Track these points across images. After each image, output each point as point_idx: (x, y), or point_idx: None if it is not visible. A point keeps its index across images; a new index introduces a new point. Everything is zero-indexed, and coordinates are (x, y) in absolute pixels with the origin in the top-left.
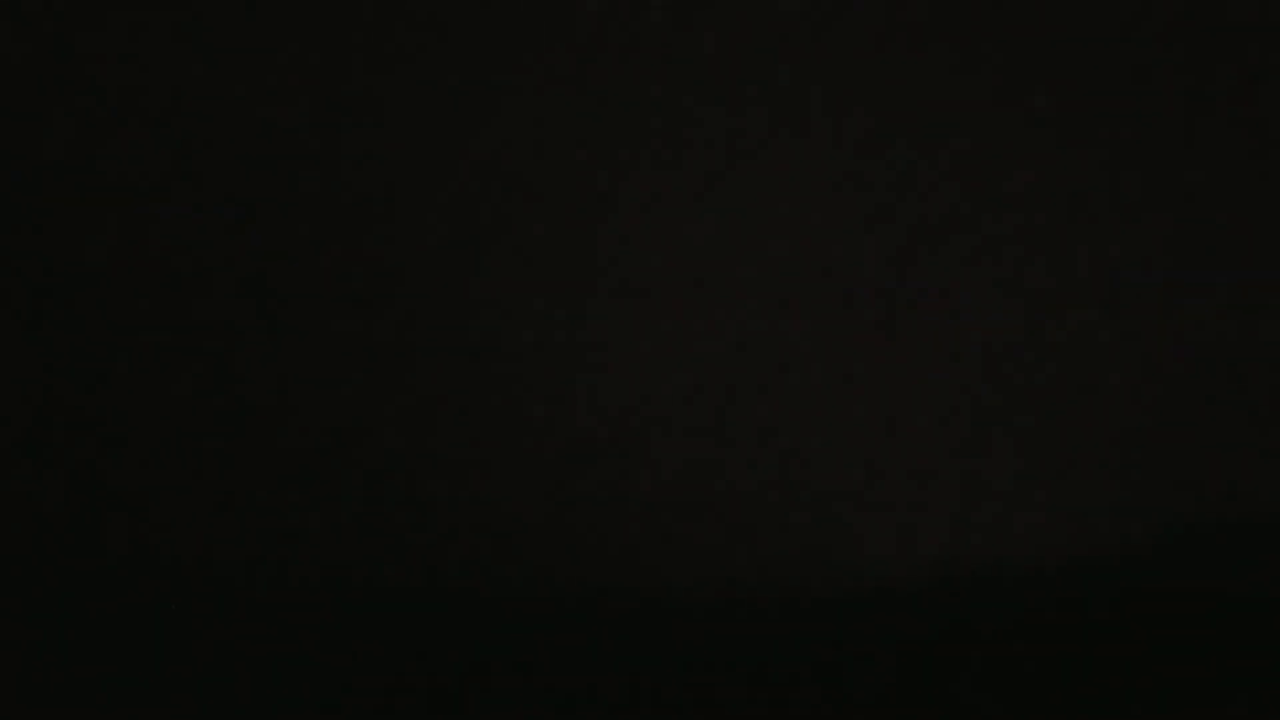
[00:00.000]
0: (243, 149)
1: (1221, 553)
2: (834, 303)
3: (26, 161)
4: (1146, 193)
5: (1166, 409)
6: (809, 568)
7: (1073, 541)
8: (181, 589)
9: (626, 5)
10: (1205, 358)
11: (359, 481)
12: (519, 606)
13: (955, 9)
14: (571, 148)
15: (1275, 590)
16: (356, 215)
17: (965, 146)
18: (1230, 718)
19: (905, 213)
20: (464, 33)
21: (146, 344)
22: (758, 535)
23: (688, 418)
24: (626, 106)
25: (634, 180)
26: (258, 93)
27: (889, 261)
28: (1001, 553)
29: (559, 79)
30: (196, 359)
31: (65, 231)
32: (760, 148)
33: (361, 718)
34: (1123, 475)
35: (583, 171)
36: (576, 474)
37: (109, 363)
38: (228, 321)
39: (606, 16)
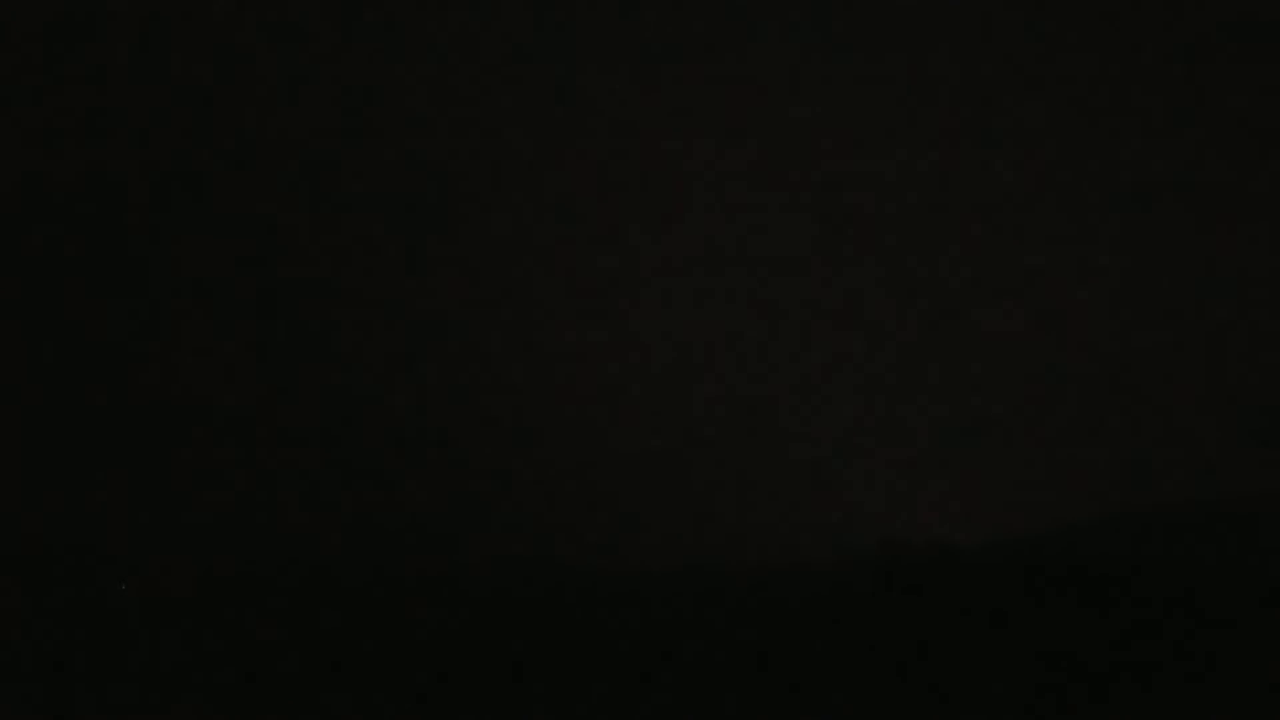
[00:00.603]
0: (244, 152)
1: (1165, 539)
2: (798, 303)
3: (28, 162)
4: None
5: (1115, 399)
6: (770, 546)
7: (1020, 521)
8: (178, 586)
9: (627, 6)
10: (1151, 355)
11: (338, 477)
12: (489, 587)
13: (956, 9)
14: (568, 150)
15: (1224, 575)
16: (355, 216)
17: (960, 145)
18: (1180, 695)
19: (873, 214)
20: (467, 36)
21: (147, 344)
22: (709, 517)
23: (657, 407)
24: (620, 112)
25: (624, 188)
26: (260, 96)
27: (871, 263)
28: (951, 531)
29: (559, 80)
30: (197, 357)
31: (64, 232)
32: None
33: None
34: (1071, 460)
35: (569, 179)
36: (543, 458)
37: (109, 363)
38: (227, 322)
39: (607, 17)
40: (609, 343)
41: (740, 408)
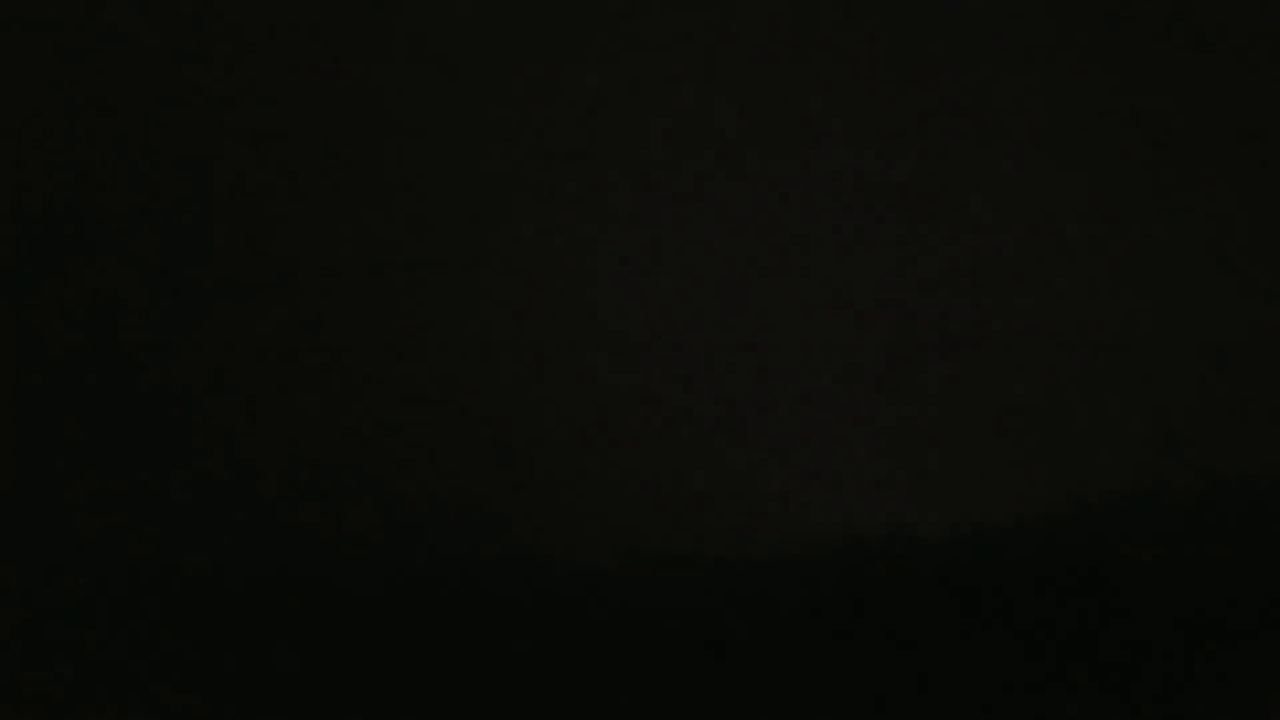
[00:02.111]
0: (245, 152)
1: (1130, 530)
2: (759, 294)
3: (29, 162)
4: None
5: (1079, 389)
6: (732, 536)
7: (984, 512)
8: (178, 587)
9: (626, 7)
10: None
11: (317, 477)
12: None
13: (956, 11)
14: (566, 150)
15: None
16: (353, 217)
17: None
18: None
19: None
20: (465, 36)
21: (151, 344)
22: (664, 507)
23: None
24: (622, 109)
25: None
26: (259, 96)
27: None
28: (914, 520)
29: (558, 81)
30: (196, 355)
31: (63, 232)
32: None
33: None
34: (1036, 451)
35: (561, 181)
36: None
37: (108, 364)
38: (226, 322)
39: (607, 19)
40: (566, 335)
41: (698, 398)
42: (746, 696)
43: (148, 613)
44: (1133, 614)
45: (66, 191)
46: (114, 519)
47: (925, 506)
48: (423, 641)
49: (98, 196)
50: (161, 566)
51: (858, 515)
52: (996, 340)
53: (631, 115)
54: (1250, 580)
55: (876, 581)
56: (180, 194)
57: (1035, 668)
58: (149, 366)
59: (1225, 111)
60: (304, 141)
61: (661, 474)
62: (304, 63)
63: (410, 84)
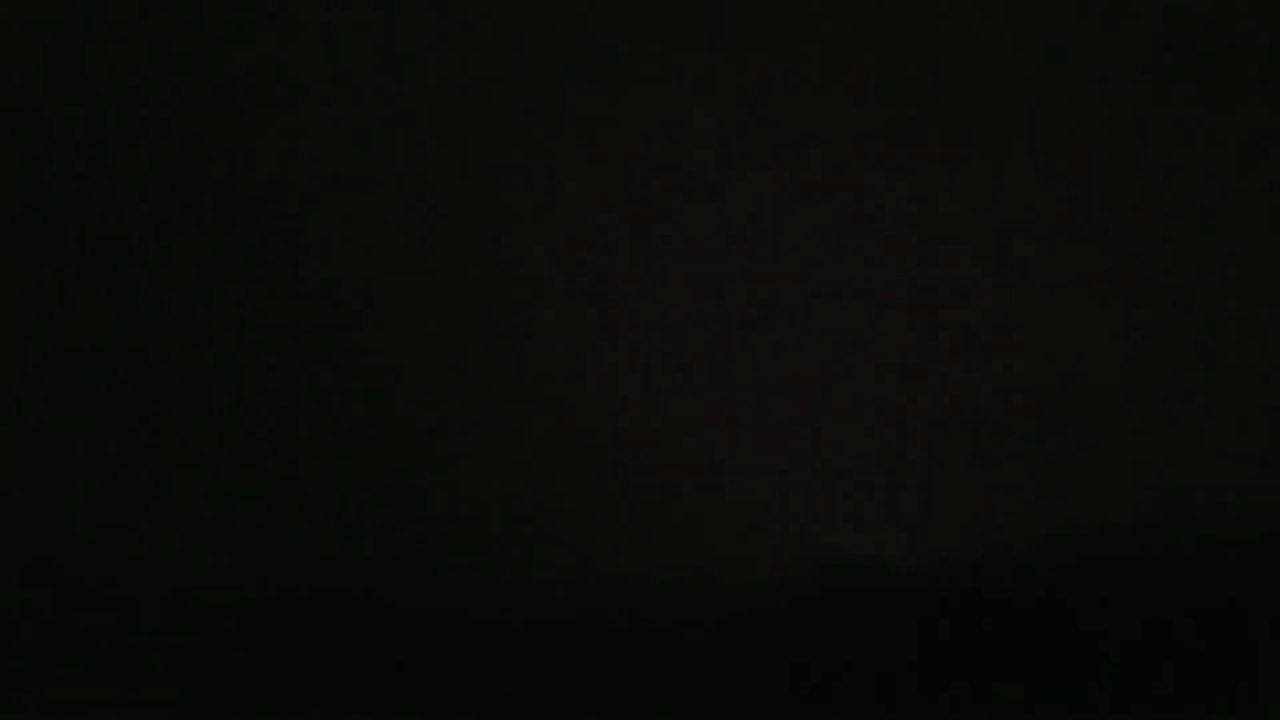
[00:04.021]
0: (244, 152)
1: (1100, 563)
2: (728, 323)
3: (30, 163)
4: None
5: (1041, 425)
6: (709, 564)
7: (954, 544)
8: (179, 590)
9: (626, 8)
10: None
11: (330, 484)
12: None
13: (956, 13)
14: (562, 153)
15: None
16: (351, 218)
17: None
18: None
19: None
20: (465, 37)
21: (153, 345)
22: (633, 534)
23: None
24: (617, 111)
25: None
26: (260, 97)
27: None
28: (881, 552)
29: (556, 81)
30: (198, 355)
31: (63, 235)
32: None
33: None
34: (1006, 483)
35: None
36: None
37: (108, 364)
38: (225, 323)
39: (606, 20)
40: (538, 368)
41: (671, 429)
42: None
43: (143, 622)
44: (1101, 644)
45: (64, 191)
46: (99, 529)
47: (896, 538)
48: (388, 657)
49: (101, 201)
50: (157, 578)
51: (829, 546)
52: (970, 376)
53: (632, 144)
54: (1222, 610)
55: (847, 611)
56: (180, 197)
57: (1005, 696)
58: (141, 369)
59: (1224, 132)
60: (306, 142)
61: (633, 503)
62: (305, 60)
63: (407, 87)
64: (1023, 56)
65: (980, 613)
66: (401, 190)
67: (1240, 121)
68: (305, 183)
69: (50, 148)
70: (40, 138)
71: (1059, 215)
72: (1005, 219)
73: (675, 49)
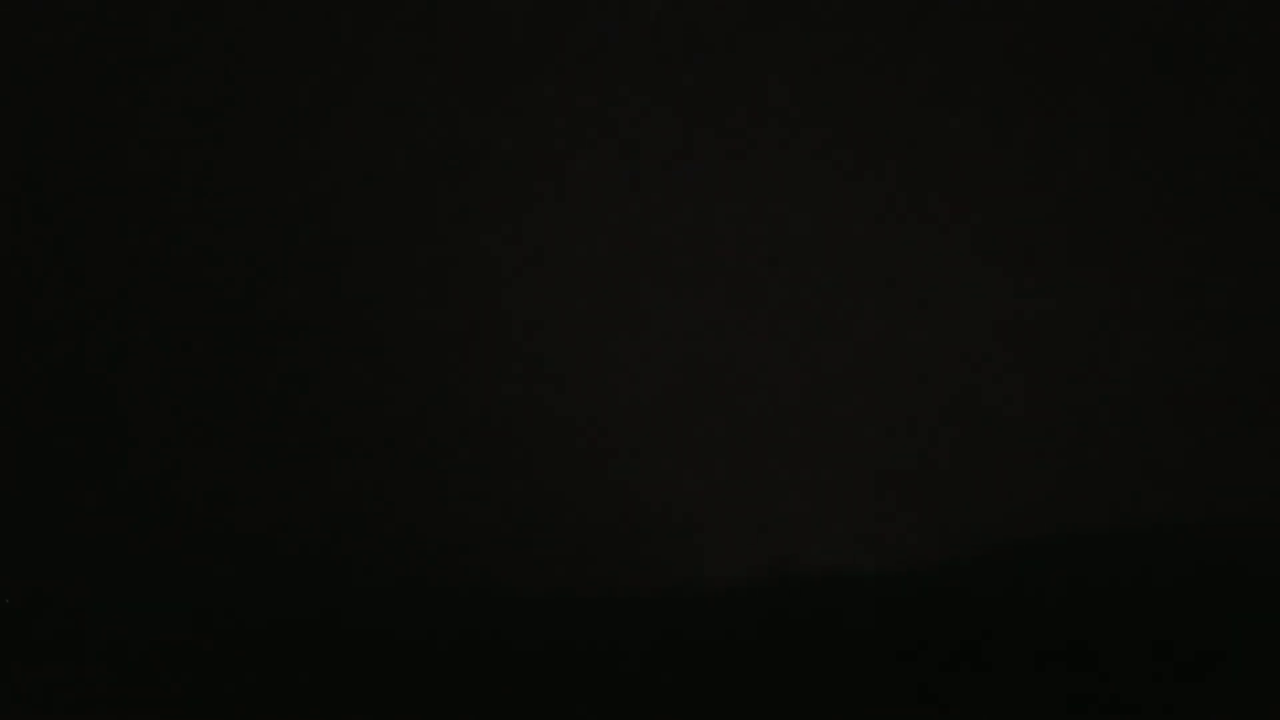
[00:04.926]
0: (244, 150)
1: (1068, 570)
2: (693, 326)
3: (32, 164)
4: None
5: (1012, 430)
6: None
7: (921, 550)
8: (181, 590)
9: (625, 9)
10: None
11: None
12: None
13: (957, 14)
14: (555, 147)
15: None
16: (350, 218)
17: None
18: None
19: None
20: (464, 37)
21: (155, 345)
22: (593, 539)
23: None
24: (616, 111)
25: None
26: (259, 97)
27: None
28: (846, 559)
29: (554, 82)
30: (198, 356)
31: (62, 236)
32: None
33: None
34: (975, 489)
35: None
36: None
37: (109, 365)
38: (226, 323)
39: (606, 21)
40: (503, 370)
41: (633, 434)
42: None
43: (139, 646)
44: (1075, 656)
45: (63, 198)
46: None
47: (864, 545)
48: (373, 672)
49: (96, 205)
50: (156, 579)
51: (795, 553)
52: (940, 380)
53: (616, 144)
54: (1201, 619)
55: (813, 620)
56: (182, 195)
57: (976, 708)
58: (131, 374)
59: (1225, 133)
60: (304, 142)
61: (596, 509)
62: (295, 61)
63: (401, 87)
64: (1023, 56)
65: (950, 621)
66: (387, 190)
67: (1241, 123)
68: (301, 180)
69: (51, 147)
70: (41, 138)
71: (1060, 219)
72: (991, 230)
73: (675, 48)
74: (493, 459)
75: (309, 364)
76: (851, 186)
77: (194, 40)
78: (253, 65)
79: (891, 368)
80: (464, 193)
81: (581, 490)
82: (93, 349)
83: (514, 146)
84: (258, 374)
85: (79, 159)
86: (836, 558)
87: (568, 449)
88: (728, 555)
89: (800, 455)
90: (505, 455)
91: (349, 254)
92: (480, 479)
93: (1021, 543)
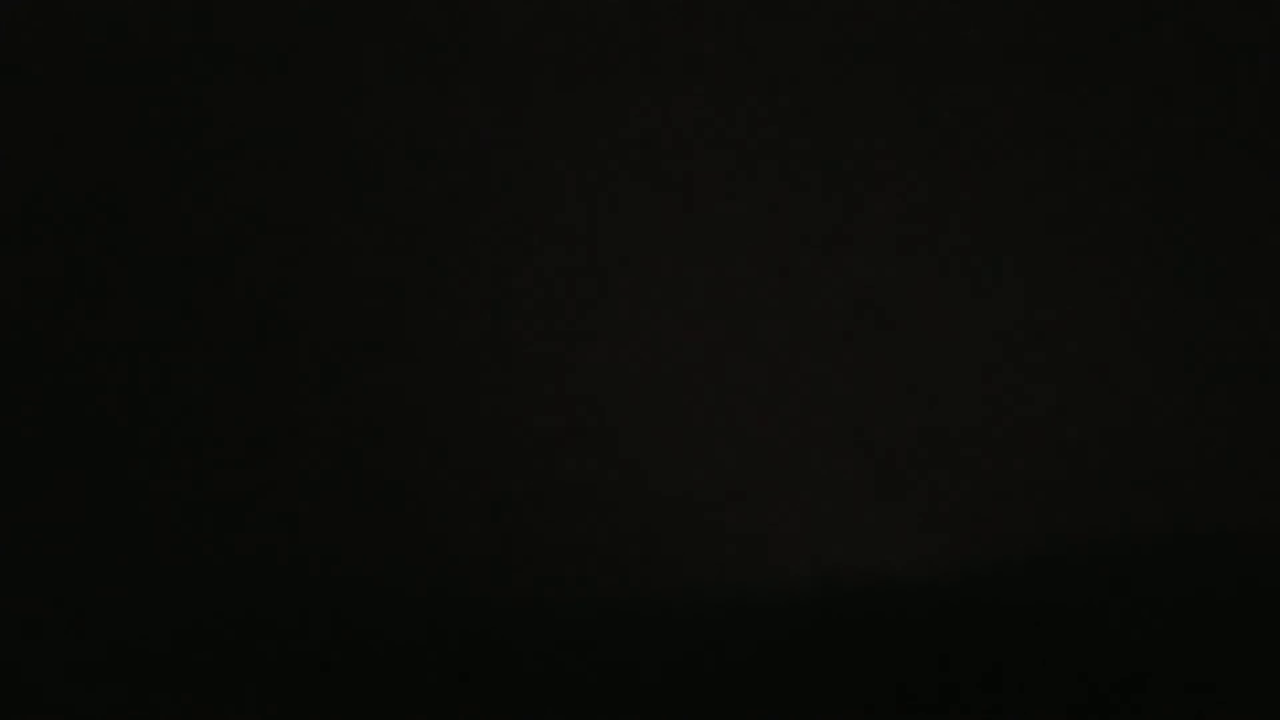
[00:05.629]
0: (247, 155)
1: (1114, 573)
2: (730, 327)
3: (33, 166)
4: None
5: (1053, 431)
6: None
7: (966, 554)
8: (183, 591)
9: (623, 10)
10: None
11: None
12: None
13: (956, 15)
14: (558, 154)
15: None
16: (350, 218)
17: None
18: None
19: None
20: (464, 38)
21: (158, 346)
22: (631, 545)
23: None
24: (614, 111)
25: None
26: (263, 103)
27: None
28: (873, 564)
29: (551, 82)
30: (198, 356)
31: (63, 238)
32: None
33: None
34: (1019, 492)
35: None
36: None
37: (110, 366)
38: (226, 323)
39: (604, 21)
40: (526, 364)
41: (666, 435)
42: None
43: (132, 657)
44: (1120, 659)
45: (64, 199)
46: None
47: (905, 549)
48: (376, 673)
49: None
50: (154, 582)
51: (835, 558)
52: (978, 379)
53: (627, 150)
54: (1246, 623)
55: (854, 626)
56: (184, 198)
57: (1020, 714)
58: (129, 376)
59: (1228, 138)
60: (304, 142)
61: (628, 514)
62: (297, 69)
63: (402, 90)
64: (1022, 57)
65: (995, 626)
66: (389, 191)
67: (1243, 127)
68: (302, 184)
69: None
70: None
71: (1065, 224)
72: (1009, 230)
73: (673, 48)
74: (536, 468)
75: (309, 362)
76: (883, 185)
77: (195, 40)
78: (256, 65)
79: (930, 369)
80: (479, 195)
81: (610, 497)
82: (94, 348)
83: (521, 145)
84: (257, 374)
85: (79, 158)
86: (873, 564)
87: (606, 458)
88: (764, 561)
89: (840, 456)
90: (549, 465)
91: (349, 255)
92: (524, 486)
93: (1070, 544)
